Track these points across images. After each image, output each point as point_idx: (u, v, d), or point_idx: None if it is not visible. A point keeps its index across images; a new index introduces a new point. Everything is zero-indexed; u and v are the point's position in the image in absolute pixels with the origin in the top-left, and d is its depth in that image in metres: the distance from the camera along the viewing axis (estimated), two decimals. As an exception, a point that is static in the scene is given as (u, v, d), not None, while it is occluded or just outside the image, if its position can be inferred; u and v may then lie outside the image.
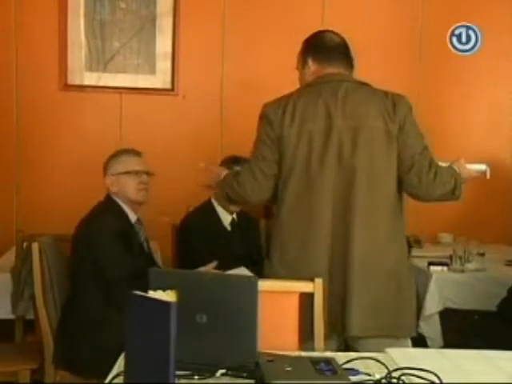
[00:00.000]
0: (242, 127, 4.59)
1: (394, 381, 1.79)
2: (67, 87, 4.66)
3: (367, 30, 4.65)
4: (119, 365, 1.85)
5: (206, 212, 3.87)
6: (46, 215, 4.49)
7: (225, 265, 3.49)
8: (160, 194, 4.38)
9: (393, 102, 2.55)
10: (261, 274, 3.10)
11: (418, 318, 3.32)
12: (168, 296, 1.75)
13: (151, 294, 1.72)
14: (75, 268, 3.12)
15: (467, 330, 3.48)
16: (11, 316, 3.42)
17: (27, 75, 4.63)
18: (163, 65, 4.71)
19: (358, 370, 1.87)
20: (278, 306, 2.26)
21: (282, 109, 2.57)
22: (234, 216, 3.91)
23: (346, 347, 2.59)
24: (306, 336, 2.31)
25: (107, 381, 1.78)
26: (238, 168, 3.14)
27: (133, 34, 4.68)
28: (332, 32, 2.73)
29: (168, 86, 4.73)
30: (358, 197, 2.50)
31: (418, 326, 3.38)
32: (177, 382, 1.65)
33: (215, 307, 1.84)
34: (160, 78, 4.73)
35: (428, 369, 1.81)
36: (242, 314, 1.84)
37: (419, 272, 3.63)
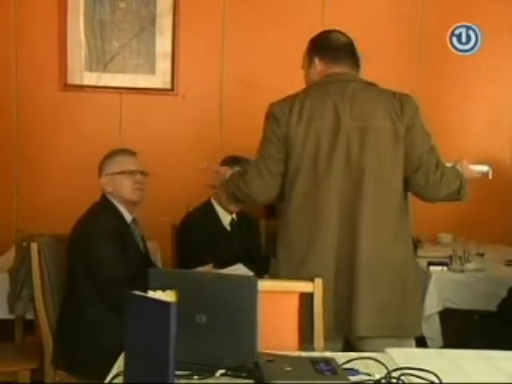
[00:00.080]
0: (241, 127, 4.62)
1: (394, 381, 1.79)
2: (67, 87, 4.66)
3: (367, 29, 4.65)
4: (119, 365, 1.85)
5: (205, 212, 3.87)
6: (46, 215, 4.49)
7: (224, 265, 3.50)
8: (159, 193, 4.39)
9: (400, 102, 2.55)
10: (260, 272, 3.12)
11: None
12: (167, 296, 1.74)
13: (151, 294, 1.72)
14: (71, 268, 3.12)
15: (467, 330, 3.48)
16: (11, 316, 3.42)
17: (27, 75, 4.63)
18: (163, 65, 4.71)
19: (357, 370, 1.87)
20: (278, 306, 2.25)
21: (289, 108, 2.56)
22: (234, 216, 3.91)
23: (350, 347, 2.58)
24: (305, 336, 2.31)
25: (107, 381, 1.78)
26: (237, 168, 3.14)
27: (133, 34, 4.68)
28: (339, 32, 2.73)
29: (168, 85, 4.73)
30: (366, 197, 2.49)
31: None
32: (176, 382, 1.65)
33: (215, 307, 1.84)
34: (160, 78, 4.73)
35: (427, 369, 1.81)
36: (241, 314, 1.84)
37: (419, 272, 3.63)
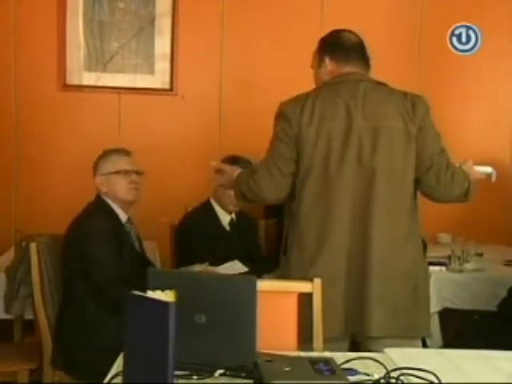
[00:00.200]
0: (240, 127, 4.63)
1: (393, 381, 1.78)
2: (66, 87, 4.66)
3: (367, 29, 4.61)
4: (118, 365, 1.85)
5: (204, 212, 3.87)
6: (45, 215, 4.49)
7: (222, 263, 3.52)
8: (158, 193, 4.40)
9: (412, 103, 2.55)
10: (259, 272, 3.12)
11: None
12: (167, 296, 1.74)
13: (150, 294, 1.72)
14: (67, 268, 3.12)
15: (467, 330, 3.48)
16: (10, 316, 3.42)
17: (26, 75, 4.63)
18: (162, 65, 4.71)
19: (356, 370, 1.87)
20: (277, 306, 2.25)
21: (300, 107, 2.54)
22: (233, 216, 3.91)
23: (356, 348, 2.58)
24: (304, 336, 2.31)
25: (106, 381, 1.78)
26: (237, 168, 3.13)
27: (132, 34, 4.68)
28: (349, 31, 2.72)
29: (167, 86, 4.73)
30: (378, 197, 2.49)
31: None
32: (175, 382, 1.65)
33: (214, 307, 1.84)
34: (159, 78, 4.73)
35: (427, 369, 1.81)
36: (240, 314, 1.84)
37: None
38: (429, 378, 1.78)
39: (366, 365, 1.92)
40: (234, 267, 3.54)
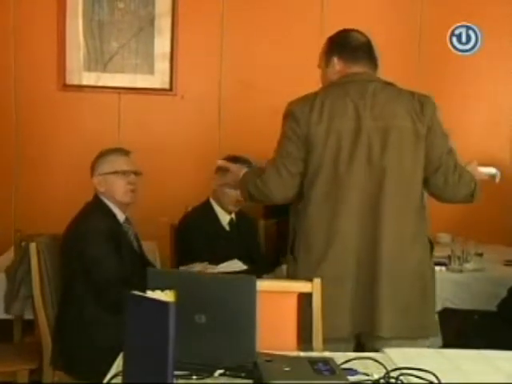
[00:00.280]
0: (240, 127, 4.63)
1: (393, 381, 1.78)
2: (66, 87, 4.66)
3: (366, 30, 4.62)
4: (117, 365, 1.85)
5: (204, 212, 3.87)
6: (45, 215, 4.49)
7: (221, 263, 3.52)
8: (158, 193, 4.40)
9: (420, 103, 2.55)
10: (259, 272, 3.12)
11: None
12: (166, 296, 1.74)
13: (150, 293, 1.72)
14: (66, 268, 3.12)
15: (467, 329, 3.48)
16: (10, 316, 3.41)
17: (26, 75, 4.64)
18: (162, 65, 4.71)
19: (356, 370, 1.87)
20: (277, 306, 2.25)
21: (309, 106, 2.53)
22: (233, 216, 3.91)
23: (361, 348, 2.57)
24: (304, 336, 2.31)
25: (105, 381, 1.78)
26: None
27: (131, 35, 4.68)
28: (357, 31, 2.72)
29: (166, 86, 4.73)
30: (387, 197, 2.48)
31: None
32: (175, 382, 1.65)
33: (214, 307, 1.84)
34: (158, 78, 4.73)
35: (427, 369, 1.81)
36: (240, 314, 1.84)
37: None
38: (428, 378, 1.78)
39: (366, 365, 1.92)
40: (233, 265, 3.54)
